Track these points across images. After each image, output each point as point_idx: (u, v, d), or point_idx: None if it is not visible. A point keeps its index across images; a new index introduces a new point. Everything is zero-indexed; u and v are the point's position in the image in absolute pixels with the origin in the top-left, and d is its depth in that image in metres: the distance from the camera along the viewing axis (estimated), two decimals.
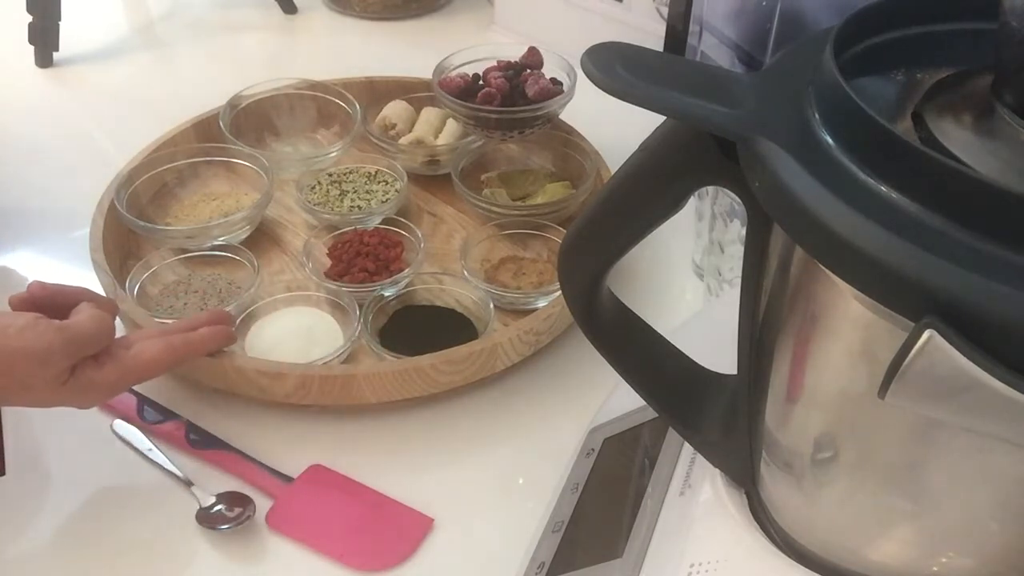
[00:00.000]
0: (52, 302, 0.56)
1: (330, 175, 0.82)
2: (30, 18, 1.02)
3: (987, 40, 0.28)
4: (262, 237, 0.78)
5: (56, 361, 0.51)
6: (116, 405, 0.63)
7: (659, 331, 0.44)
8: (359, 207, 0.78)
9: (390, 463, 0.61)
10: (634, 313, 0.44)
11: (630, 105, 0.29)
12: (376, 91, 0.90)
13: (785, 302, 0.32)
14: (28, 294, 0.57)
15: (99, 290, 0.66)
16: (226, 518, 0.57)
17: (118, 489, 0.60)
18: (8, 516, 0.58)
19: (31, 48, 1.03)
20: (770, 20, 0.71)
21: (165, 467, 0.60)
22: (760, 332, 0.35)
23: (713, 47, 0.80)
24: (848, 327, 0.29)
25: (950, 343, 0.23)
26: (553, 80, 0.80)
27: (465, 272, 0.70)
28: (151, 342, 0.57)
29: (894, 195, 0.25)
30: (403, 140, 0.83)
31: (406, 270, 0.71)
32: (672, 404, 0.43)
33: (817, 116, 0.28)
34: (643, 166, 0.36)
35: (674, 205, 0.36)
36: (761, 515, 0.39)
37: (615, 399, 0.57)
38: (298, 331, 0.68)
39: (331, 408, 0.63)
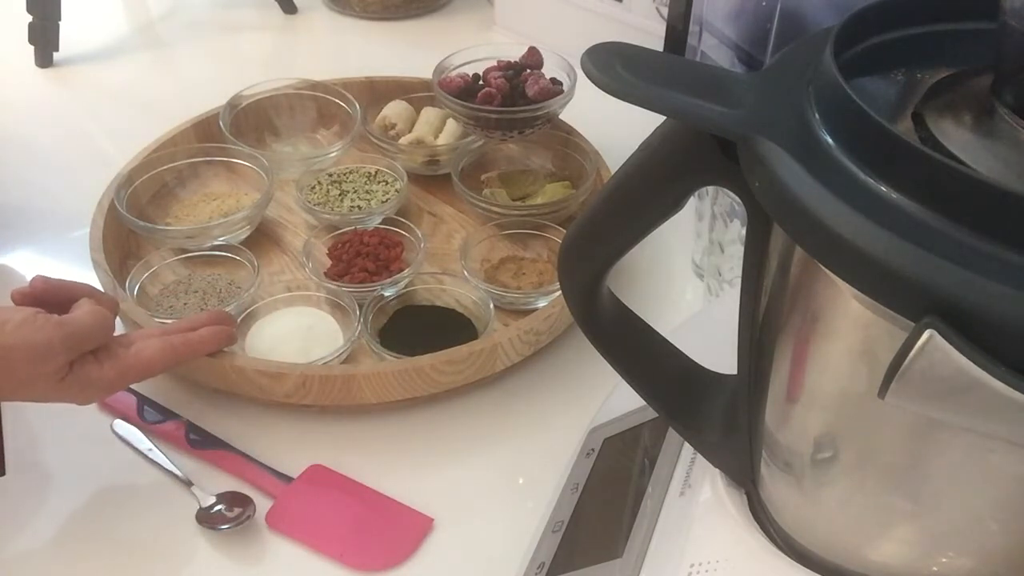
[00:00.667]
0: (53, 297, 0.56)
1: (330, 175, 0.82)
2: (30, 18, 1.02)
3: (987, 40, 0.28)
4: (262, 237, 0.78)
5: (55, 356, 0.51)
6: (116, 405, 0.64)
7: (659, 331, 0.44)
8: (359, 207, 0.78)
9: (390, 463, 0.61)
10: (634, 313, 0.44)
11: (630, 105, 0.29)
12: (376, 91, 0.90)
13: (785, 302, 0.32)
14: (30, 288, 0.57)
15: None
16: (226, 518, 0.57)
17: (118, 489, 0.60)
18: (8, 516, 0.58)
19: (31, 48, 1.03)
20: (770, 20, 0.71)
21: (165, 467, 0.60)
22: (760, 332, 0.35)
23: (713, 47, 0.80)
24: (848, 327, 0.29)
25: (950, 343, 0.23)
26: (553, 80, 0.80)
27: (465, 272, 0.70)
28: (151, 341, 0.57)
29: (894, 195, 0.25)
30: (403, 140, 0.83)
31: (406, 270, 0.71)
32: (672, 404, 0.43)
33: (817, 116, 0.28)
34: (643, 166, 0.36)
35: (674, 205, 0.36)
36: (761, 515, 0.39)
37: (615, 399, 0.57)
38: (298, 331, 0.68)
39: (331, 408, 0.63)
